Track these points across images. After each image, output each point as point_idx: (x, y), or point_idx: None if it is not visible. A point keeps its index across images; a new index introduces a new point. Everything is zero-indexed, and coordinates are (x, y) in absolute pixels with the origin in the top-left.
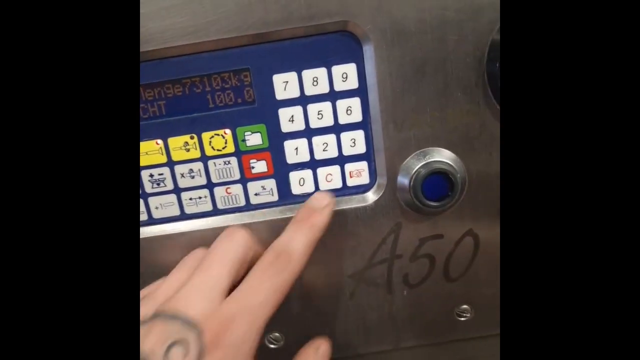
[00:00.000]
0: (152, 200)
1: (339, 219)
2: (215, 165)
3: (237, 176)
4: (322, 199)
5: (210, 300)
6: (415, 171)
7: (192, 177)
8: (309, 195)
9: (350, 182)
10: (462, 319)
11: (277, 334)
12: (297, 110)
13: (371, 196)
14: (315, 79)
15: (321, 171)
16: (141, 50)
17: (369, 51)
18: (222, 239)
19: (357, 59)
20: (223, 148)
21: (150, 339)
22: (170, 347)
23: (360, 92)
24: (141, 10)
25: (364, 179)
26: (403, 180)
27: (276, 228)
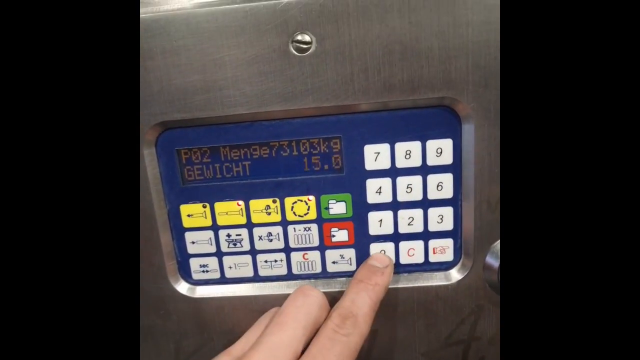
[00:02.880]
0: (226, 260)
1: (418, 294)
2: (294, 231)
3: (316, 243)
4: (382, 259)
5: None
6: None
7: (270, 241)
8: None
9: (433, 259)
10: None
11: None
12: (386, 182)
13: (454, 275)
14: (408, 152)
15: (404, 245)
16: (234, 112)
17: (469, 129)
18: (296, 296)
19: (455, 134)
20: (305, 214)
21: None
22: None
23: (454, 168)
24: (240, 74)
25: (448, 256)
26: (492, 262)
27: None
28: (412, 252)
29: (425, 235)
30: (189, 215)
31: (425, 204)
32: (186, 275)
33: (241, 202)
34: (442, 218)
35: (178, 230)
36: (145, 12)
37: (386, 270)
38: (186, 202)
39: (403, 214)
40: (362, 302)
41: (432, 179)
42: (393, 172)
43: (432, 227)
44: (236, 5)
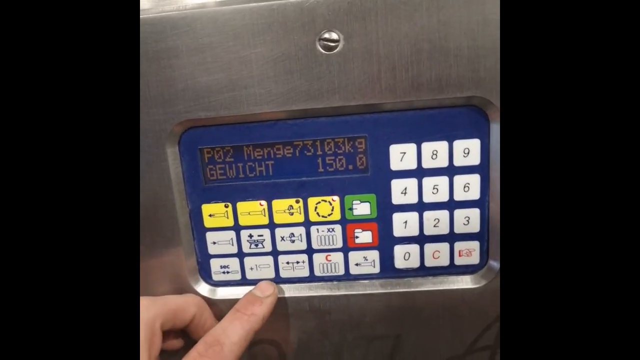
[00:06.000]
0: (247, 260)
1: (443, 298)
2: (317, 232)
3: (340, 244)
4: (265, 288)
5: None
6: None
7: (292, 242)
8: (413, 270)
9: (459, 261)
10: None
11: None
12: (412, 182)
13: (481, 278)
14: (435, 152)
15: (429, 247)
16: (260, 111)
17: (497, 129)
18: None
19: (482, 134)
20: (328, 215)
21: None
22: None
23: (482, 169)
24: (266, 72)
25: (474, 259)
26: None
27: (375, 302)
28: (437, 254)
29: (451, 238)
30: (210, 215)
31: (451, 205)
32: (206, 276)
33: (264, 202)
34: (469, 220)
35: (199, 231)
36: (170, 9)
37: (267, 300)
38: (208, 202)
39: (429, 215)
40: (232, 331)
41: (459, 179)
42: (419, 173)
43: (458, 229)
44: (263, 3)
